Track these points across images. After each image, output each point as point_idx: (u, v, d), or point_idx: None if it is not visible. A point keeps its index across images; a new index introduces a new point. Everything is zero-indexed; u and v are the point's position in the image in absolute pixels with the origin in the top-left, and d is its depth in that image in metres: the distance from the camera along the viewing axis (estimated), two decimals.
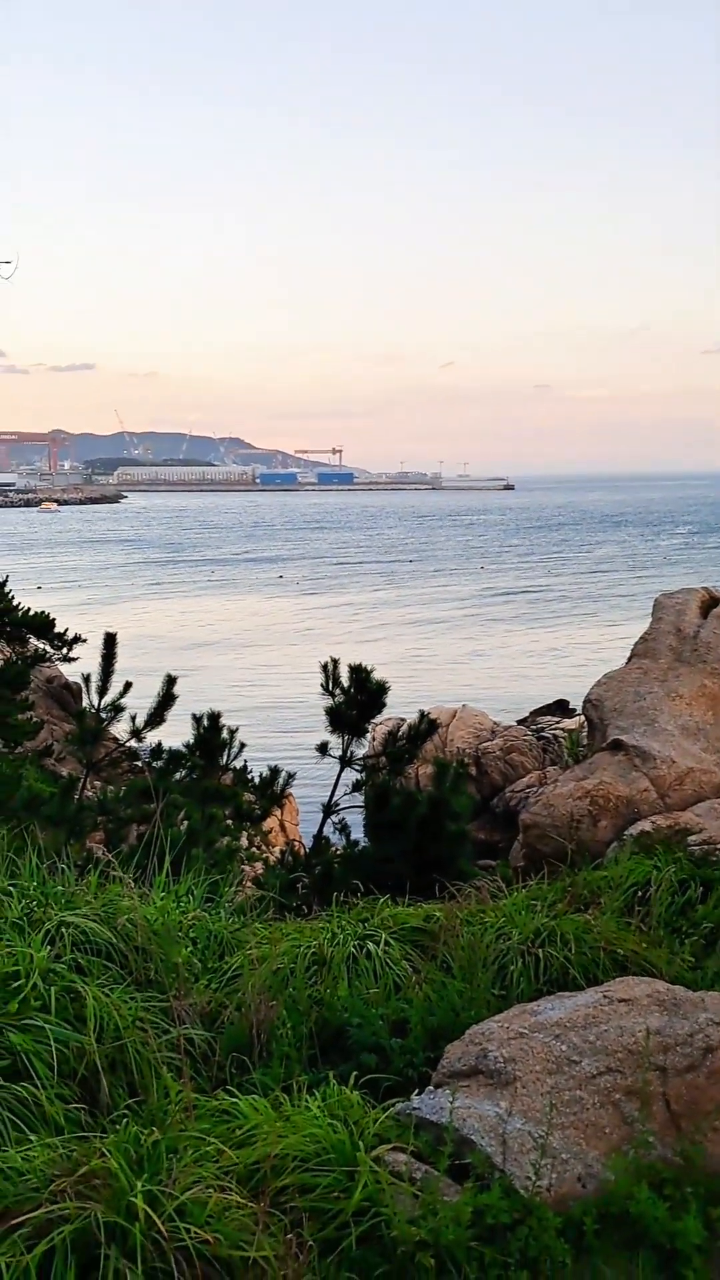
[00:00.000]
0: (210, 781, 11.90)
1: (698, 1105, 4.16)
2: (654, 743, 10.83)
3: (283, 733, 32.78)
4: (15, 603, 14.13)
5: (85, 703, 12.13)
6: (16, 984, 4.43)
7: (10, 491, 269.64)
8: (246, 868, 11.24)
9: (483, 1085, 4.17)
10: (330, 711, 11.46)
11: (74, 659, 14.21)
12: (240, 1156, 3.74)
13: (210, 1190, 3.49)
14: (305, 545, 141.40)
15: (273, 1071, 4.62)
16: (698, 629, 12.34)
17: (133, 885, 5.86)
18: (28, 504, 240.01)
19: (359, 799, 11.55)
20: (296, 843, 13.18)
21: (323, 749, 11.62)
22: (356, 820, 11.57)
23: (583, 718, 15.39)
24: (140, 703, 12.04)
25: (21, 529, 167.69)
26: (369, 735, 11.94)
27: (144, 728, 11.74)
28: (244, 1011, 4.98)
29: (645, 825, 9.40)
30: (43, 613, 14.20)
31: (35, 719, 15.28)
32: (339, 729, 11.51)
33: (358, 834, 11.48)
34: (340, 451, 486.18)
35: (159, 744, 12.39)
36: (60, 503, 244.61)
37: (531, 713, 38.98)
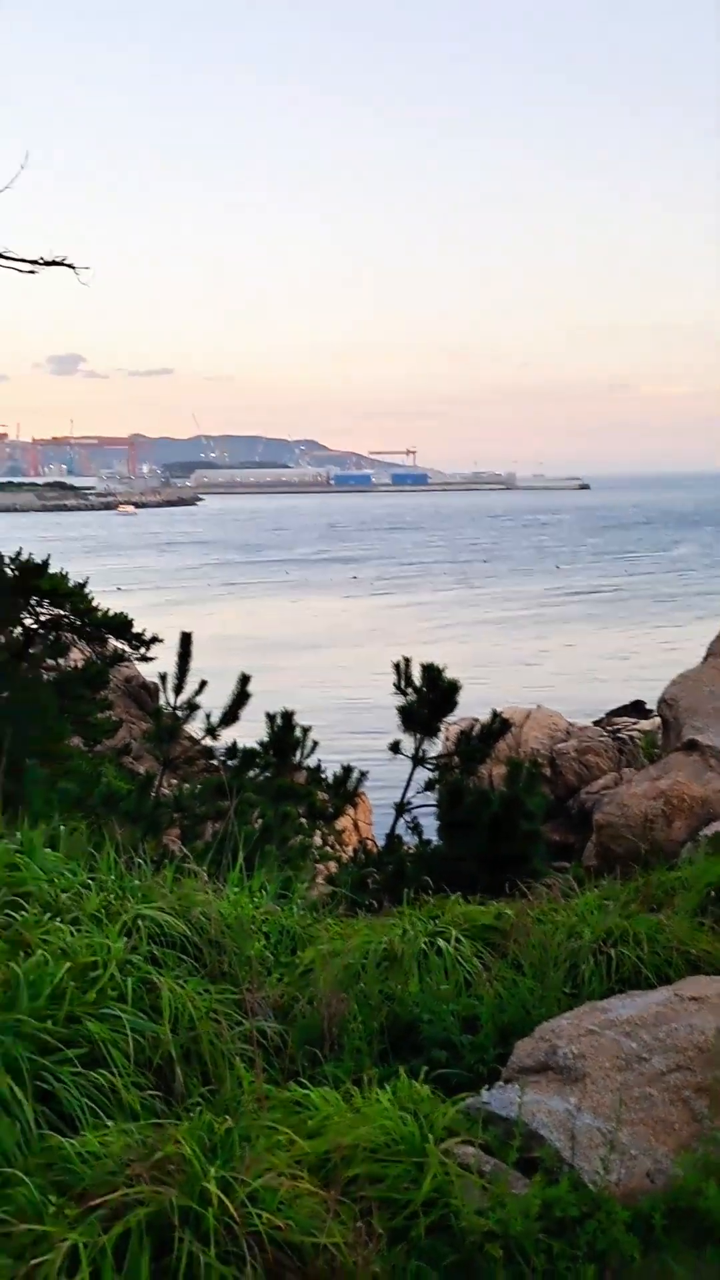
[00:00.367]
0: (284, 779, 12.03)
1: None
2: None
3: (355, 732, 32.92)
4: (95, 604, 14.36)
5: (162, 701, 12.31)
6: (95, 974, 4.53)
7: (90, 495, 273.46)
8: (319, 866, 11.34)
9: (552, 1081, 4.19)
10: (403, 710, 11.53)
11: (151, 659, 14.40)
12: (311, 1146, 3.80)
13: (282, 1178, 3.55)
14: (379, 546, 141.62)
15: (344, 1064, 4.69)
16: None
17: (208, 879, 5.96)
18: (106, 507, 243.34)
19: (431, 798, 11.60)
20: (369, 841, 13.26)
21: (395, 748, 11.69)
22: (429, 819, 11.61)
23: (658, 718, 15.26)
24: (215, 701, 12.21)
25: (100, 532, 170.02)
26: (441, 734, 11.98)
27: (219, 726, 11.90)
28: (316, 1005, 5.05)
29: None
30: (121, 613, 14.41)
31: (114, 718, 15.54)
32: (411, 728, 11.57)
33: (430, 833, 11.53)
34: (414, 452, 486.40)
35: (234, 742, 12.55)
36: (137, 505, 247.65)
37: (607, 714, 38.70)
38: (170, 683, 11.87)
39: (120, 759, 15.14)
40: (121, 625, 14.39)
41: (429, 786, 11.65)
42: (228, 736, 12.49)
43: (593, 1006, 4.66)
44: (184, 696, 11.91)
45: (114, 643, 14.90)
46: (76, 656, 15.14)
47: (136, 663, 15.88)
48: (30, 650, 14.11)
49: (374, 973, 5.49)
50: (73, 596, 14.06)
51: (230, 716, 11.94)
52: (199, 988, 4.84)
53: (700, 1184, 3.75)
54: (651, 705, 35.88)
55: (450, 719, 11.88)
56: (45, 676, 14.04)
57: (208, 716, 11.98)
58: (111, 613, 14.53)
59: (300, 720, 12.77)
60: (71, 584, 14.15)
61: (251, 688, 12.34)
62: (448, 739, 12.81)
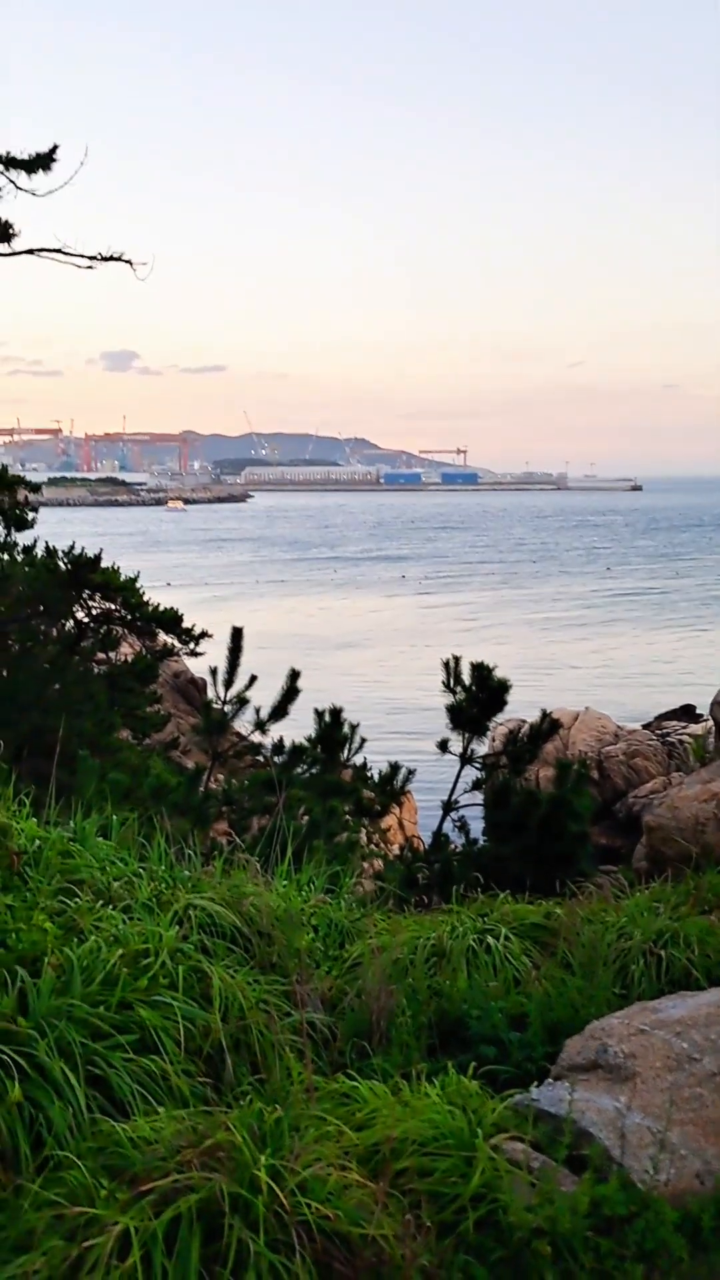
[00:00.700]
0: (331, 776, 12.05)
1: None
2: None
3: (401, 729, 32.91)
4: (146, 598, 14.47)
5: (211, 694, 12.38)
6: (146, 961, 4.57)
7: (142, 491, 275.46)
8: (365, 863, 11.35)
9: (601, 1080, 4.17)
10: (451, 709, 11.50)
11: (200, 654, 14.48)
12: (360, 1138, 3.81)
13: (331, 1168, 3.56)
14: (428, 545, 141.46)
15: (392, 1058, 4.69)
16: None
17: (259, 870, 6.00)
18: (158, 503, 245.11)
19: (478, 797, 11.56)
20: (415, 839, 13.24)
21: (443, 746, 11.66)
22: (476, 819, 11.58)
23: (710, 722, 15.12)
24: (262, 696, 12.26)
25: (150, 527, 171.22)
26: (489, 734, 11.93)
27: (268, 721, 11.94)
28: (364, 999, 5.05)
29: None
30: (171, 608, 14.51)
31: (163, 712, 15.64)
32: (459, 727, 11.54)
33: (476, 832, 11.50)
34: (465, 451, 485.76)
35: (280, 738, 12.59)
36: (186, 501, 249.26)
37: (656, 717, 38.41)
38: (221, 677, 11.93)
39: (168, 753, 15.23)
40: (171, 620, 14.48)
41: (476, 786, 11.61)
42: (275, 732, 12.54)
43: (643, 1006, 4.63)
44: (233, 690, 11.96)
45: (163, 637, 15.00)
46: (126, 650, 15.25)
47: (185, 658, 15.96)
48: (82, 643, 14.25)
49: (422, 968, 5.50)
50: (124, 591, 14.18)
51: (279, 711, 11.99)
52: (249, 978, 4.87)
53: None
54: (702, 710, 35.58)
55: (498, 719, 11.84)
56: (96, 669, 14.17)
57: (257, 711, 12.03)
58: (161, 608, 14.64)
59: (348, 717, 12.78)
60: (123, 579, 14.26)
61: (299, 684, 12.38)
62: (495, 739, 12.76)
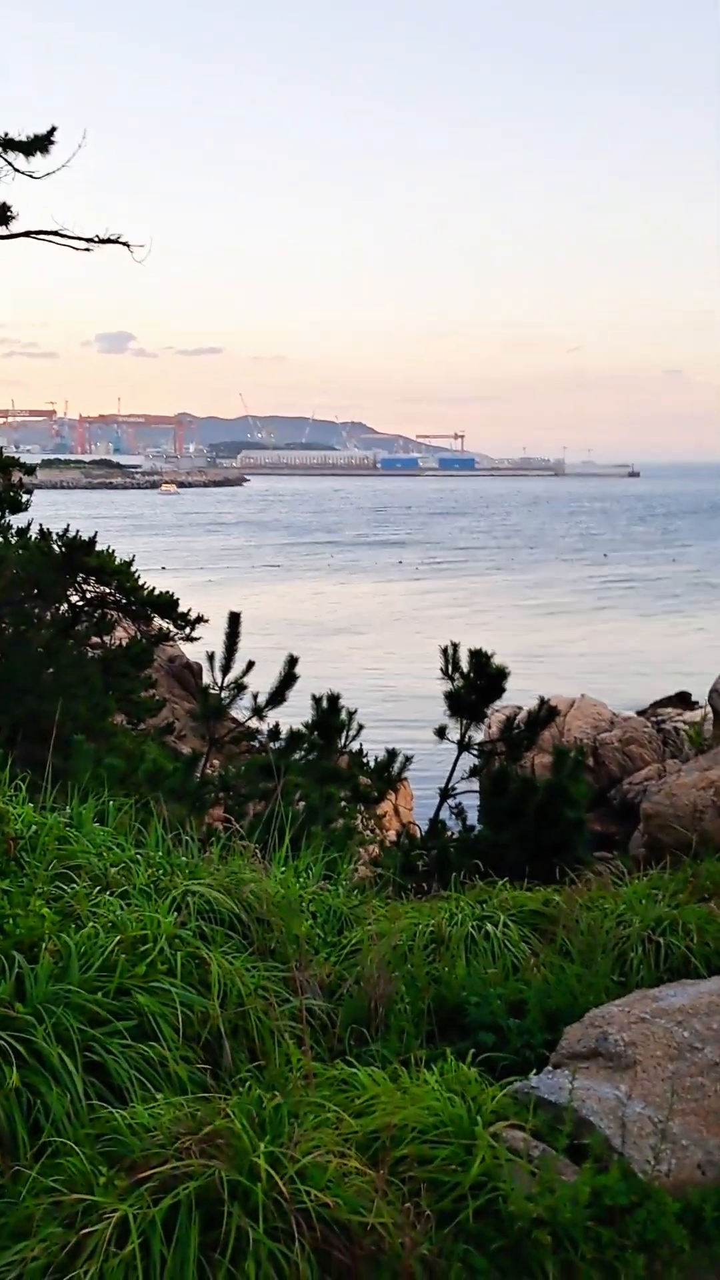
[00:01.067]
0: (328, 762, 12.03)
1: None
2: None
3: (396, 716, 32.89)
4: (141, 582, 14.42)
5: (207, 679, 12.34)
6: (144, 948, 4.55)
7: (136, 473, 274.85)
8: (362, 849, 11.34)
9: (602, 1068, 4.16)
10: (449, 696, 11.48)
11: (196, 639, 14.44)
12: (359, 1125, 3.79)
13: (330, 1155, 3.55)
14: (424, 530, 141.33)
15: (391, 1045, 4.68)
16: None
17: (258, 856, 5.97)
18: (152, 486, 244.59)
19: (475, 784, 11.56)
20: (411, 825, 13.24)
21: (441, 733, 11.65)
22: (473, 805, 11.58)
23: (707, 709, 15.12)
24: (258, 683, 12.22)
25: (144, 510, 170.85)
26: (486, 721, 11.91)
27: (265, 706, 11.91)
28: (363, 985, 5.04)
29: None
30: (167, 592, 14.47)
31: (158, 696, 15.61)
32: (457, 713, 11.52)
33: (473, 819, 11.49)
34: (462, 437, 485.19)
35: (277, 724, 12.57)
36: (181, 485, 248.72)
37: (652, 704, 38.44)
38: (218, 663, 11.90)
39: (163, 738, 15.20)
40: (167, 604, 14.44)
41: (473, 773, 11.60)
42: (272, 718, 12.51)
43: (644, 994, 4.62)
44: (230, 676, 11.93)
45: (159, 622, 14.96)
46: (121, 634, 15.21)
47: (180, 642, 15.91)
48: (77, 627, 14.20)
49: (421, 954, 5.49)
50: (119, 574, 14.13)
51: (277, 697, 11.97)
52: (247, 964, 4.85)
53: None
54: (697, 697, 35.62)
55: (495, 705, 11.82)
56: (91, 654, 14.13)
57: (254, 697, 12.00)
58: (157, 592, 14.59)
59: (345, 703, 12.76)
60: (118, 562, 14.22)
61: (296, 670, 12.35)
62: (491, 726, 12.75)
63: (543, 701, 11.94)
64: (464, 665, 11.44)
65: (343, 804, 11.79)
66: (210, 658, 12.12)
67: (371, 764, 13.11)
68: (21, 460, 15.39)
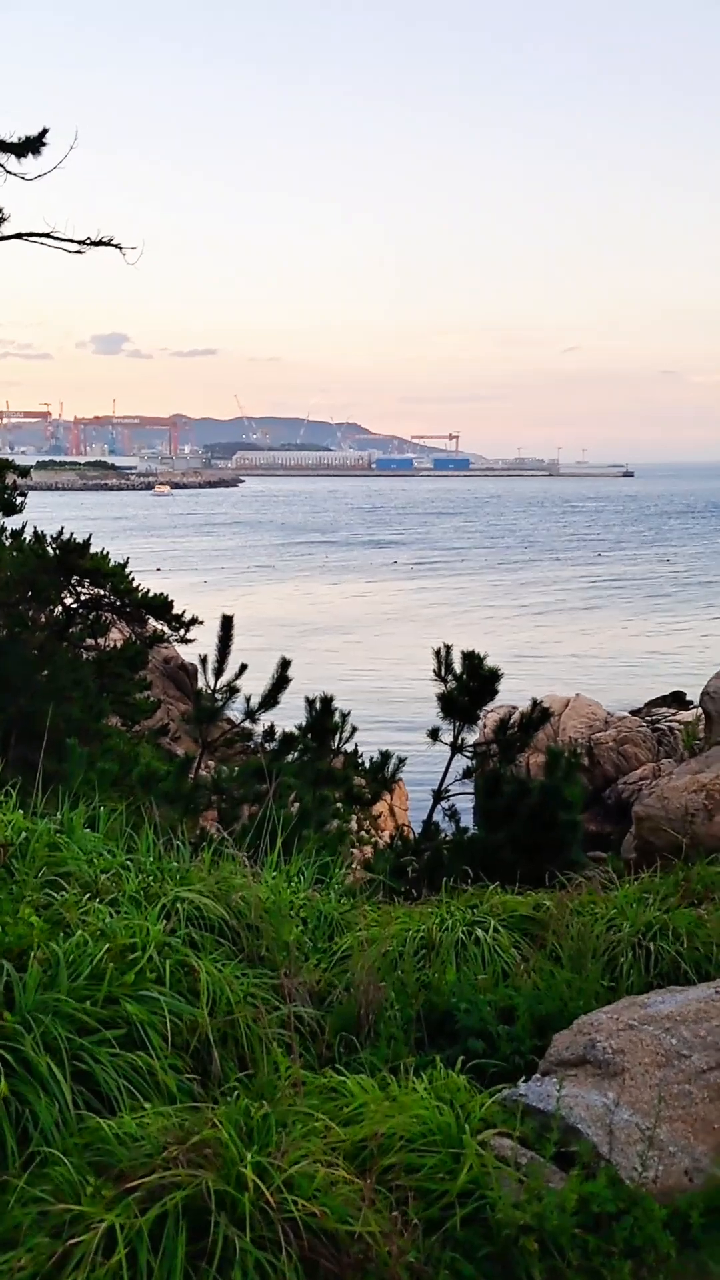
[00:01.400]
0: (322, 764, 12.02)
1: None
2: None
3: (391, 717, 32.89)
4: (135, 584, 14.42)
5: (201, 683, 12.33)
6: (133, 956, 4.55)
7: (131, 474, 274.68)
8: (356, 851, 11.33)
9: (590, 1075, 4.16)
10: (443, 697, 11.48)
11: (190, 640, 14.43)
12: (348, 1134, 3.79)
13: (318, 1164, 3.54)
14: (419, 531, 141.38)
15: (380, 1052, 4.67)
16: None
17: (247, 863, 5.96)
18: (147, 487, 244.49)
19: (469, 785, 11.55)
20: (405, 827, 13.24)
21: (434, 734, 11.64)
22: (466, 807, 11.57)
23: (700, 710, 15.14)
24: (252, 684, 12.21)
25: (138, 512, 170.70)
26: (480, 722, 11.91)
27: (258, 709, 11.91)
28: (353, 992, 5.04)
29: None
30: (161, 594, 14.45)
31: (152, 698, 15.60)
32: (451, 715, 11.52)
33: (467, 820, 11.49)
34: (457, 437, 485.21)
35: (271, 726, 12.56)
36: (176, 486, 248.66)
37: (646, 704, 38.48)
38: (211, 665, 11.89)
39: (158, 740, 15.19)
40: (161, 606, 14.43)
41: (467, 774, 11.60)
42: (266, 720, 12.50)
43: (632, 1001, 4.62)
44: (224, 679, 11.92)
45: (153, 623, 14.95)
46: (116, 636, 15.20)
47: (175, 644, 15.90)
48: (71, 629, 14.19)
49: (411, 960, 5.48)
50: (113, 576, 14.12)
51: (270, 700, 11.96)
52: (237, 971, 4.84)
53: None
54: (692, 696, 35.64)
55: (489, 706, 11.82)
56: (85, 655, 14.12)
57: (247, 699, 11.99)
58: (151, 593, 14.59)
59: (338, 705, 12.75)
60: (112, 564, 14.20)
61: (290, 671, 12.34)
62: (485, 727, 12.75)
63: (535, 703, 11.94)
64: (457, 667, 11.43)
65: (337, 805, 11.79)
66: (203, 661, 12.12)
67: (366, 765, 13.10)
68: (16, 462, 15.36)
